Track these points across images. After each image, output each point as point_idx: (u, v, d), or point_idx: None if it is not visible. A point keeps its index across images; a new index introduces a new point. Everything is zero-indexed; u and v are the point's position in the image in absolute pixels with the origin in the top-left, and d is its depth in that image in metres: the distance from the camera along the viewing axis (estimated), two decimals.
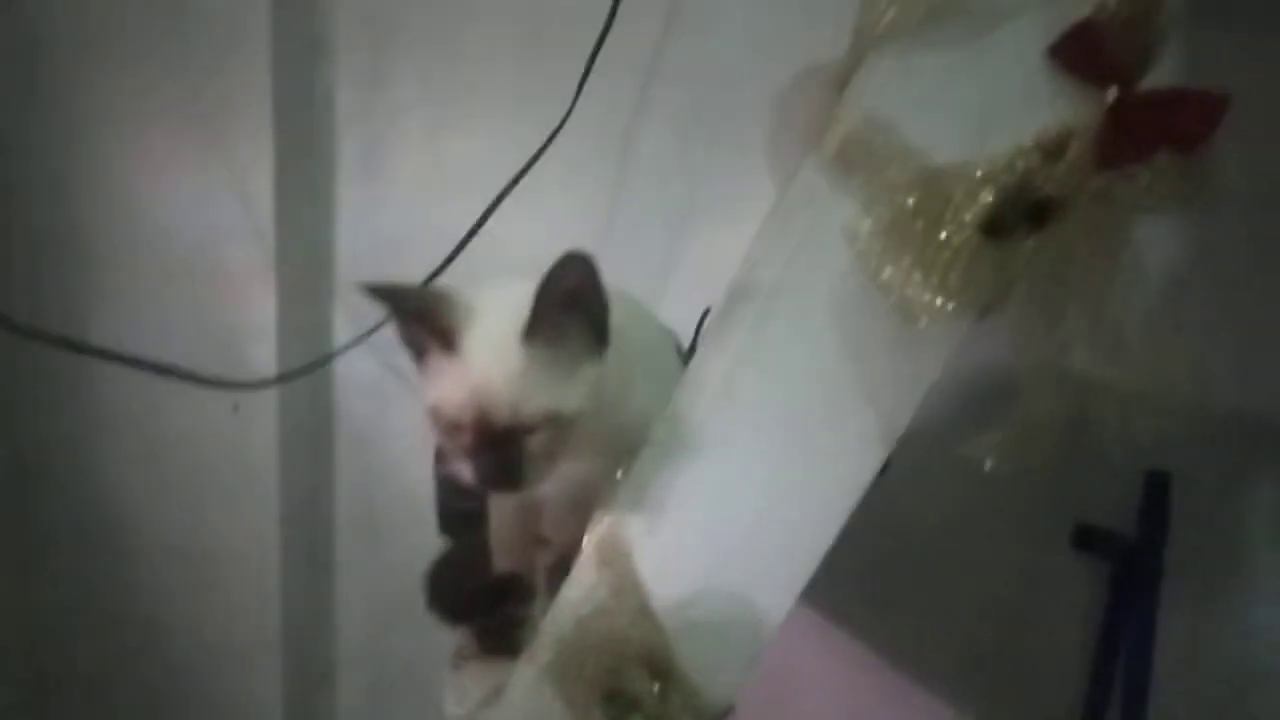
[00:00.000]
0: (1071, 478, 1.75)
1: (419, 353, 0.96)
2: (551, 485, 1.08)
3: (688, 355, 1.79)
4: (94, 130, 2.07)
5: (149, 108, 2.04)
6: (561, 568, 1.13)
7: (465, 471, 0.94)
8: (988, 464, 0.84)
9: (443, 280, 1.72)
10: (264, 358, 2.00)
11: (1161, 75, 0.82)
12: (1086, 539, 1.77)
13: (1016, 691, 1.83)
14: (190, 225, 2.04)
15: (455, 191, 1.88)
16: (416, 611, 2.10)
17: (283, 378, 1.80)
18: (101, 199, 2.08)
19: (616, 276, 1.95)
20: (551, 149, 1.71)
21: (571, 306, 0.92)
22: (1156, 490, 1.69)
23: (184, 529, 2.19)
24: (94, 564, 2.28)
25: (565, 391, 0.92)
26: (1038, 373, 0.82)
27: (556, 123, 1.69)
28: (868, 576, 1.82)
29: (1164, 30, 0.79)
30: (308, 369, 1.78)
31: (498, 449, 0.91)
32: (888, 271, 0.82)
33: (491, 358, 0.91)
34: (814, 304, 0.88)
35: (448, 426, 0.94)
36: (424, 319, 0.93)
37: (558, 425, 0.92)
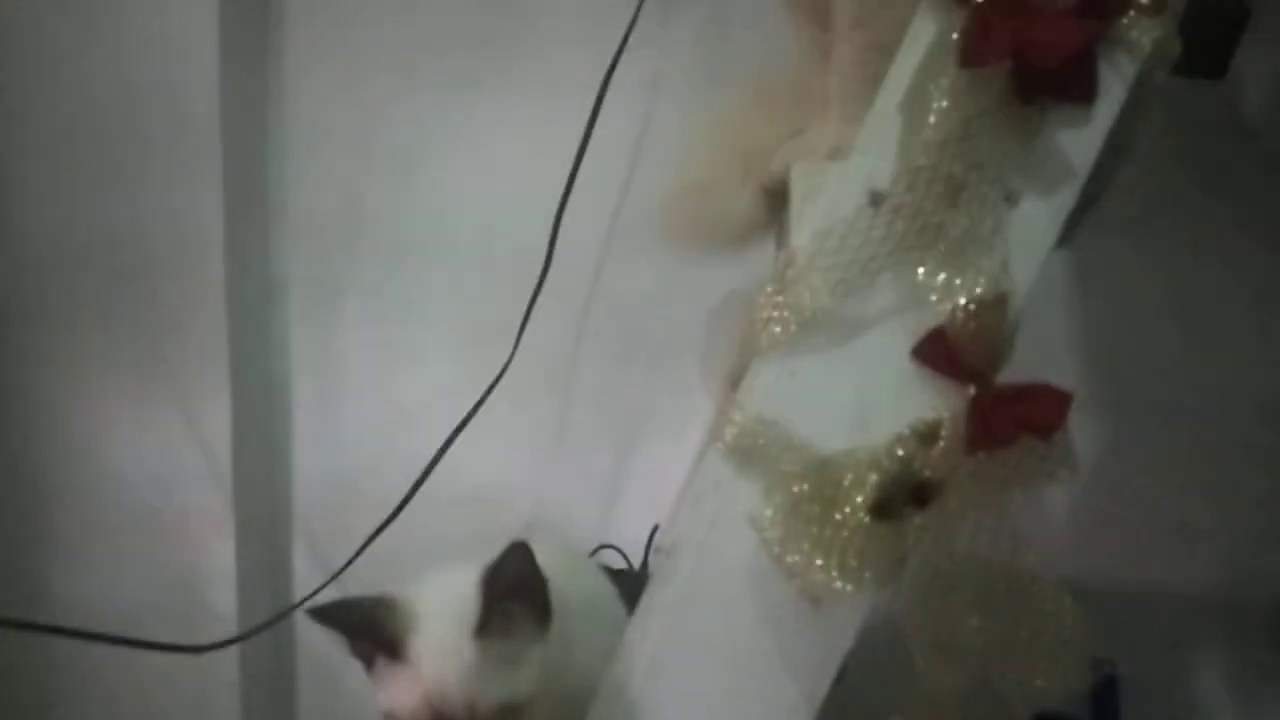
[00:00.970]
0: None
1: (368, 662, 1.00)
2: None
3: (640, 572, 1.85)
4: (52, 388, 2.12)
5: (102, 357, 2.08)
6: None
7: None
8: None
9: (398, 524, 1.77)
10: (225, 601, 2.01)
11: None
12: None
13: None
14: (147, 474, 2.06)
15: (408, 428, 1.96)
16: None
17: (244, 635, 1.81)
18: (63, 456, 2.12)
19: (566, 499, 2.03)
20: (499, 383, 1.80)
21: (516, 595, 0.97)
22: (1103, 688, 1.73)
23: None
24: None
25: (517, 679, 0.96)
26: (933, 648, 0.88)
27: (502, 357, 1.78)
28: None
29: (1011, 332, 0.89)
30: (269, 623, 1.79)
31: None
32: (790, 557, 0.89)
33: (441, 660, 0.95)
34: (730, 584, 0.94)
35: None
36: (369, 632, 0.98)
37: (512, 714, 0.96)
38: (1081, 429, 0.88)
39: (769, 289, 0.92)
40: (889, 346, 0.91)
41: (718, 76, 1.87)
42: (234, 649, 1.96)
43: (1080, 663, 0.89)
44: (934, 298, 0.88)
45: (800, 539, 0.89)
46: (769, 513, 0.90)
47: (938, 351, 0.89)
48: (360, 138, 2.05)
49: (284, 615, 1.86)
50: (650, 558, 1.82)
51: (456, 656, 0.95)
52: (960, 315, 0.87)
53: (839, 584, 0.88)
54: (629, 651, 1.00)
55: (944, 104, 0.86)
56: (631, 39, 1.68)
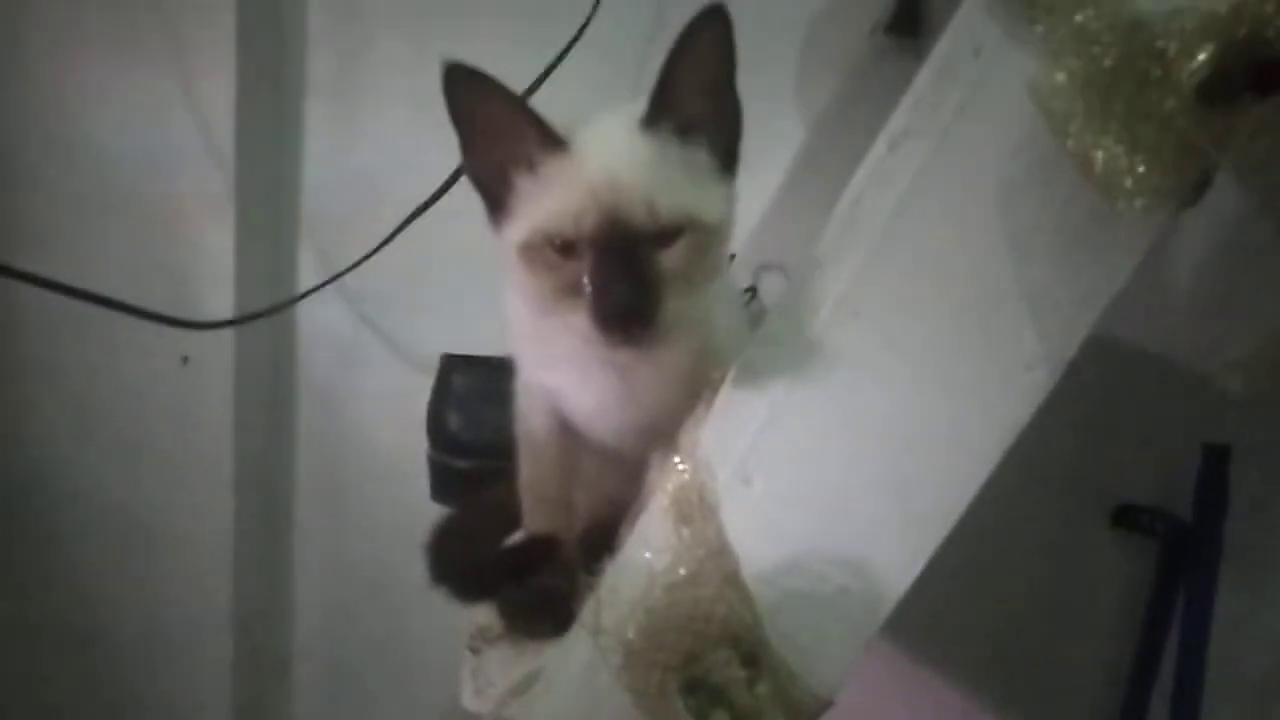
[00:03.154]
0: (1114, 454, 1.63)
1: (497, 178, 0.79)
2: (598, 421, 0.90)
3: None
4: (30, 36, 1.83)
5: (95, 13, 1.81)
6: (591, 538, 0.95)
7: (578, 315, 0.75)
8: (1236, 387, 0.67)
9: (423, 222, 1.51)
10: (219, 304, 1.77)
11: None
12: (1131, 518, 1.64)
13: (1053, 678, 1.70)
14: (140, 149, 1.81)
15: (437, 120, 1.68)
16: (384, 590, 1.89)
17: (239, 320, 1.57)
18: (37, 114, 1.83)
19: None
20: (554, 75, 1.51)
21: (699, 92, 0.76)
22: (1214, 464, 1.55)
23: (124, 496, 1.96)
24: (19, 534, 2.03)
25: (703, 194, 0.77)
26: None
27: (553, 45, 1.51)
28: None
29: None
30: (269, 312, 1.56)
31: (629, 267, 0.73)
32: (1083, 138, 0.64)
33: (614, 149, 0.76)
34: (972, 186, 0.70)
35: (559, 249, 0.76)
36: (522, 115, 0.76)
37: (697, 238, 0.76)
38: None
39: None
40: None
41: None
42: (227, 350, 1.78)
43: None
44: None
45: (1099, 116, 0.64)
46: (1060, 78, 0.64)
47: None
48: None
49: (285, 305, 1.62)
50: None
51: (631, 147, 0.76)
52: None
53: (1153, 180, 0.63)
54: (814, 282, 0.75)
55: None
56: None
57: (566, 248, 0.75)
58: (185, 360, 1.79)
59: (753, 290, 1.59)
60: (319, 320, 1.85)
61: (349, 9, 1.79)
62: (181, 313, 1.62)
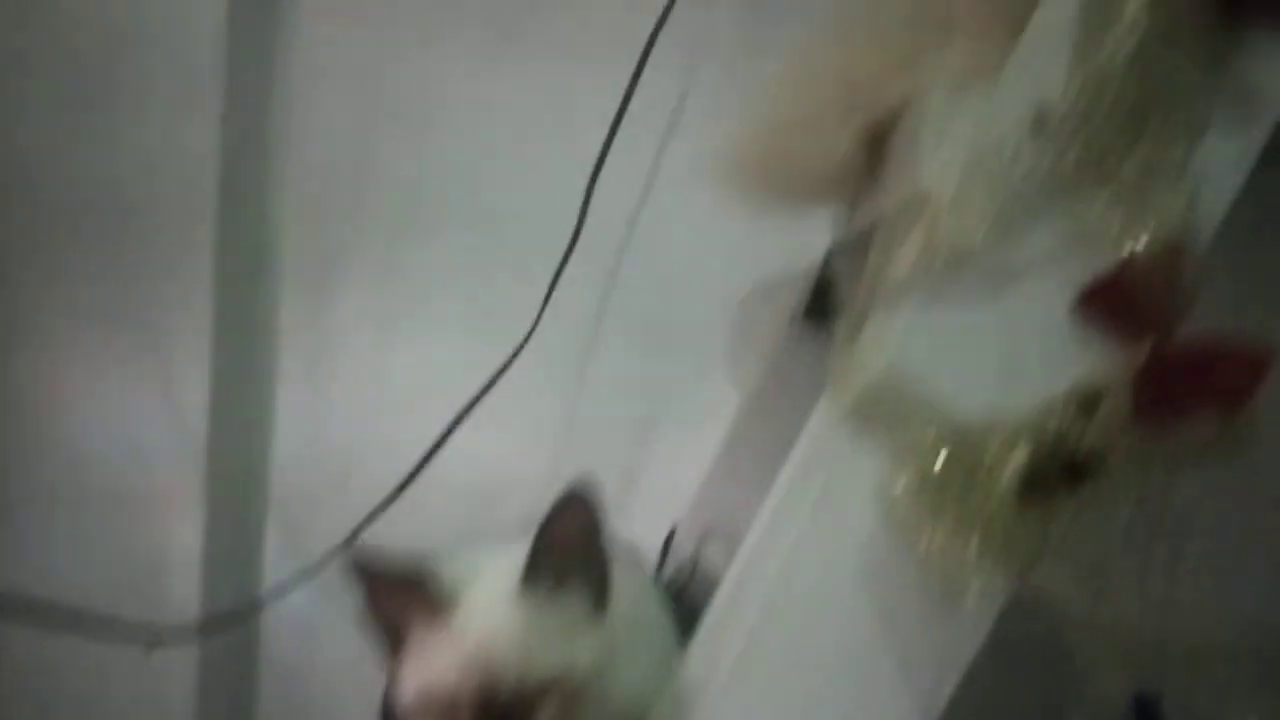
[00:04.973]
0: (1048, 706, 1.67)
1: (393, 636, 0.89)
2: None
3: (655, 577, 1.68)
4: (11, 336, 1.94)
5: (74, 314, 1.92)
6: None
7: None
8: None
9: (382, 519, 1.59)
10: (186, 590, 1.82)
11: None
12: None
13: None
14: (113, 446, 1.90)
15: (401, 412, 1.80)
16: None
17: (205, 628, 1.62)
18: (11, 413, 1.93)
19: None
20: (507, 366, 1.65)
21: (571, 556, 0.86)
22: (1146, 715, 1.60)
23: None
24: None
25: (573, 651, 0.85)
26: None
27: (506, 340, 1.63)
28: None
29: (1196, 278, 0.76)
30: (237, 619, 1.61)
31: None
32: (923, 536, 0.75)
33: (490, 619, 0.85)
34: (837, 572, 0.80)
35: (441, 712, 0.84)
36: (412, 591, 0.86)
37: (568, 692, 0.84)
38: None
39: (902, 227, 0.79)
40: (1047, 295, 0.77)
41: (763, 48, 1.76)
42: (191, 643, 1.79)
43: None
44: (1107, 239, 0.75)
45: (936, 516, 0.75)
46: (900, 484, 0.76)
47: (1108, 303, 0.76)
48: (372, 93, 1.88)
49: (248, 615, 1.67)
50: (664, 563, 1.66)
51: (505, 616, 0.85)
52: (1139, 260, 0.74)
53: (984, 567, 0.74)
54: (703, 656, 0.85)
55: (1133, 15, 0.74)
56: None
57: (449, 708, 0.84)
58: (150, 650, 1.82)
59: (694, 563, 1.65)
60: (283, 602, 1.90)
61: (319, 307, 1.93)
62: (148, 596, 1.69)
